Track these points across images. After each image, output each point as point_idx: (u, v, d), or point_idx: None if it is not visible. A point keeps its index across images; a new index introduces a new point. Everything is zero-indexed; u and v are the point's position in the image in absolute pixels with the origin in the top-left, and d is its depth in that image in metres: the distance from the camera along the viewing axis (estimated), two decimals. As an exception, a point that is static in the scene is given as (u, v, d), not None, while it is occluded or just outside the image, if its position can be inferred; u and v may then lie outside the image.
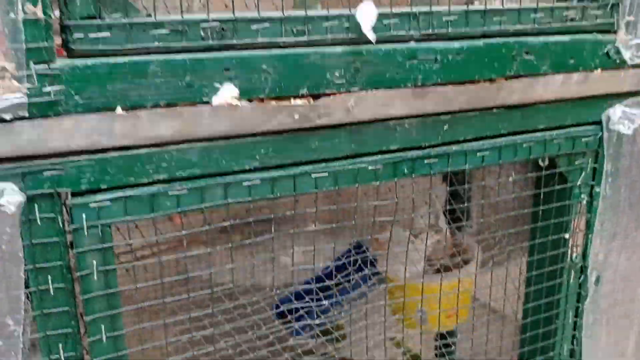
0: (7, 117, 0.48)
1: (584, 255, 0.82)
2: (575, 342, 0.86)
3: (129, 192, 0.55)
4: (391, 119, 0.64)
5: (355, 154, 0.64)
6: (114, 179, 0.54)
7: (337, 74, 0.60)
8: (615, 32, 0.75)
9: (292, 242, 0.68)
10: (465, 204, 0.95)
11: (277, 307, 0.94)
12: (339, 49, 0.60)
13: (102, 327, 0.56)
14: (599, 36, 0.74)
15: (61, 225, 0.53)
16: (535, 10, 0.69)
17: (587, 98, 0.76)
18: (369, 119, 0.63)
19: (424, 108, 0.65)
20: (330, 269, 0.90)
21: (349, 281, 1.10)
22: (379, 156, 0.65)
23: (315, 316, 1.10)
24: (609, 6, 0.74)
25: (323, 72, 0.59)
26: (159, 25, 0.53)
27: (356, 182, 0.64)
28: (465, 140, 0.70)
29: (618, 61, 0.76)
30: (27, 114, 0.48)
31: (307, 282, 1.43)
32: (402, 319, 1.29)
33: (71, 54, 0.50)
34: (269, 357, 0.81)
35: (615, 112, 0.77)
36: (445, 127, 0.68)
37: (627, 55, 0.76)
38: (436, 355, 1.66)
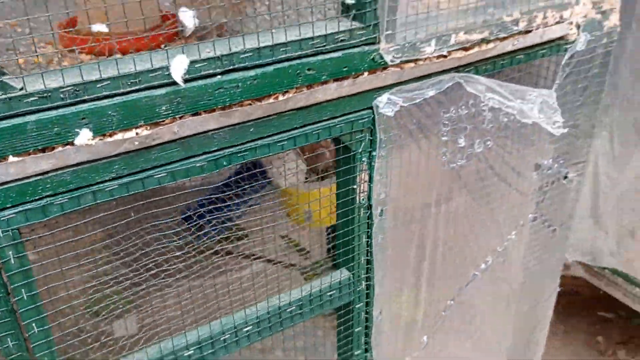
0: None
1: (369, 198, 1.24)
2: (369, 254, 1.31)
3: (28, 206, 0.88)
4: (208, 131, 0.98)
5: (185, 157, 0.98)
6: (15, 200, 0.87)
7: (164, 108, 0.93)
8: (378, 43, 1.10)
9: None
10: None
11: (184, 213, 1.37)
12: (163, 90, 0.92)
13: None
14: (366, 47, 1.09)
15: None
16: (312, 38, 1.03)
17: (361, 92, 1.13)
18: (191, 134, 0.97)
19: (232, 121, 0.99)
20: (229, 181, 1.33)
21: (244, 191, 1.57)
22: (204, 156, 1.00)
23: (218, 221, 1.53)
24: (372, 26, 1.08)
25: (153, 108, 0.92)
26: (29, 95, 0.83)
27: (188, 176, 1.00)
28: (268, 136, 1.06)
29: (382, 63, 1.12)
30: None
31: (211, 193, 1.88)
32: (292, 218, 1.80)
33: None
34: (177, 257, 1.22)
35: (382, 100, 1.15)
36: (252, 129, 1.03)
37: (388, 58, 1.12)
38: (328, 243, 2.22)
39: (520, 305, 1.77)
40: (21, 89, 0.83)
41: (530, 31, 1.27)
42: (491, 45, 1.23)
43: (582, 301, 3.27)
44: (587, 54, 1.39)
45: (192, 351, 1.15)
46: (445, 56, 1.18)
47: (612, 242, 2.62)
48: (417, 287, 1.45)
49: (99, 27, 0.94)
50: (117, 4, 0.98)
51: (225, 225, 1.75)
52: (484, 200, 1.42)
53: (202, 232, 1.68)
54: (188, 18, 0.92)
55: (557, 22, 1.30)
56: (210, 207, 1.65)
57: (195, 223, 1.67)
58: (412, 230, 1.35)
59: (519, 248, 1.61)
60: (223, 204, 1.72)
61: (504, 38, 1.24)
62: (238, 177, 2.01)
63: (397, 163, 1.23)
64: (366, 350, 1.45)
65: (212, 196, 1.84)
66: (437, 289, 1.49)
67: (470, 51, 1.21)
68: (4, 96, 0.81)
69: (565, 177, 1.55)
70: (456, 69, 1.22)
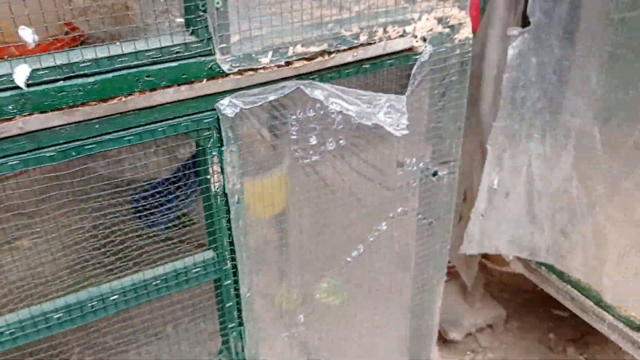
0: None
1: (224, 187, 1.43)
2: (230, 237, 1.50)
3: None
4: (55, 127, 1.19)
5: (35, 148, 1.19)
6: None
7: (10, 107, 1.13)
8: (214, 54, 1.29)
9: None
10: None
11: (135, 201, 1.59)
12: (8, 93, 1.13)
13: None
14: (202, 58, 1.28)
15: None
16: (148, 50, 1.22)
17: (203, 96, 1.32)
18: (38, 129, 1.17)
19: (75, 119, 1.20)
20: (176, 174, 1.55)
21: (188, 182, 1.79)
22: (52, 148, 1.21)
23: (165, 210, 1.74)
24: (205, 40, 1.27)
25: (1, 108, 1.13)
26: None
27: (39, 164, 1.20)
28: (114, 132, 1.26)
29: (220, 72, 1.31)
30: None
31: (159, 183, 2.10)
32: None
33: None
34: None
35: (224, 103, 1.33)
36: (97, 126, 1.23)
37: (225, 67, 1.30)
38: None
39: (410, 294, 1.93)
40: None
41: (372, 44, 1.43)
42: (332, 56, 1.40)
43: (539, 299, 3.38)
44: (439, 63, 1.54)
45: (61, 314, 1.37)
46: (285, 65, 1.36)
47: (548, 240, 2.73)
48: (286, 269, 1.63)
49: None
50: (22, 16, 1.18)
51: (169, 217, 1.96)
52: (345, 193, 1.59)
53: (150, 222, 1.89)
54: (27, 35, 1.13)
55: (400, 36, 1.46)
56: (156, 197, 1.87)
57: (143, 213, 1.89)
58: (274, 217, 1.54)
59: (396, 239, 1.77)
60: (164, 199, 1.93)
61: (345, 50, 1.41)
62: (178, 173, 2.23)
63: (249, 156, 1.41)
64: (240, 324, 1.64)
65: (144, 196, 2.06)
66: (308, 272, 1.67)
67: (312, 61, 1.39)
68: None
69: (435, 175, 1.70)
70: (299, 77, 1.40)
